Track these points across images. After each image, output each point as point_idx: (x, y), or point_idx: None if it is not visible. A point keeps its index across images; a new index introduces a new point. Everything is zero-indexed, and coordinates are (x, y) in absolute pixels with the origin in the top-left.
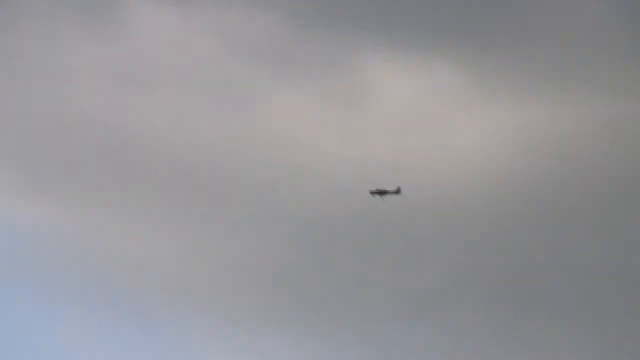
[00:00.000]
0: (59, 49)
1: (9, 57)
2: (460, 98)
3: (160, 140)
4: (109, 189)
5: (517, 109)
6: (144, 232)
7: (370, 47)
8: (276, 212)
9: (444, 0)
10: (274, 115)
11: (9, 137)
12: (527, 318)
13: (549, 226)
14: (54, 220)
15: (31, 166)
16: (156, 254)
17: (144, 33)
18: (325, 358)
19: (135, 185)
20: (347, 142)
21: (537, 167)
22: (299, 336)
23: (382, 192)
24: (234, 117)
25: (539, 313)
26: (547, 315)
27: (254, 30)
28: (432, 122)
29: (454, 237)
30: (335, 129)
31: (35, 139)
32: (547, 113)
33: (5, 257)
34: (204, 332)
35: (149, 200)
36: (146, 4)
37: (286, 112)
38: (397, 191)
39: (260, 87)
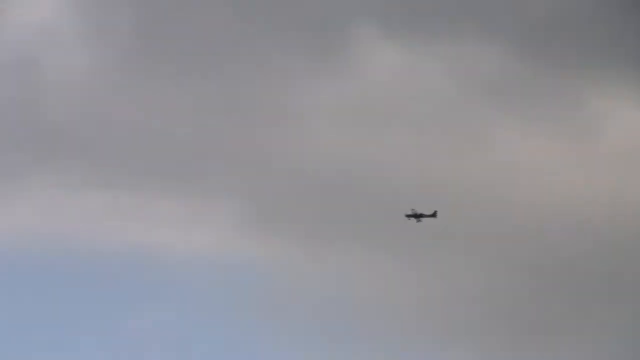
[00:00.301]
0: (295, 89)
1: (249, 100)
2: None
3: (393, 176)
4: (347, 224)
5: None
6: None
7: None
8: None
9: None
10: (505, 149)
11: (249, 175)
12: None
13: None
14: (292, 257)
15: (266, 203)
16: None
17: (373, 69)
18: None
19: (373, 220)
20: (581, 175)
21: None
22: None
23: (418, 216)
24: (466, 151)
25: None
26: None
27: (482, 62)
28: None
29: None
30: (570, 162)
31: (275, 177)
32: None
33: (246, 295)
34: None
35: (389, 236)
36: (376, 40)
37: (518, 147)
38: (434, 215)
39: (491, 120)
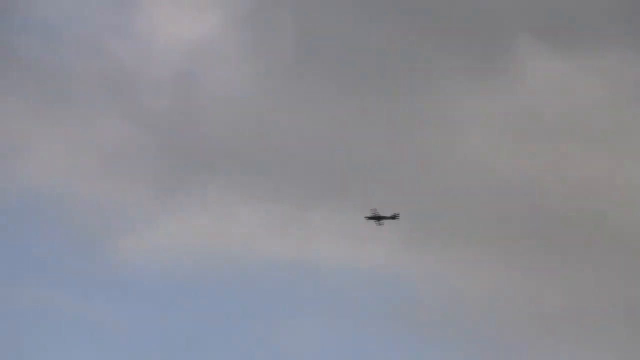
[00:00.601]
0: (459, 103)
1: (413, 115)
2: None
3: (559, 186)
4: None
5: None
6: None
7: None
8: None
9: None
10: None
11: (410, 190)
12: None
13: None
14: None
15: (428, 218)
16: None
17: (534, 83)
18: None
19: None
20: None
21: None
22: None
23: (378, 218)
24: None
25: None
26: None
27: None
28: None
29: None
30: None
31: (437, 192)
32: None
33: (400, 310)
34: None
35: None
36: (538, 52)
37: None
38: (394, 217)
39: None
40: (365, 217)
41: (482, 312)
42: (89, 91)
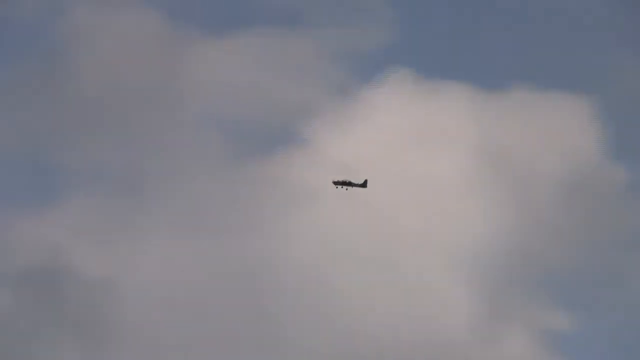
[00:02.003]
0: None
1: None
2: None
3: None
4: None
5: None
6: None
7: None
8: None
9: None
10: None
11: None
12: None
13: None
14: None
15: None
16: None
17: None
18: None
19: None
20: None
21: None
22: None
23: (346, 184)
24: None
25: None
26: None
27: None
28: None
29: None
30: None
31: None
32: None
33: None
34: None
35: None
36: None
37: None
38: (364, 184)
39: None
40: (333, 182)
41: None
42: None
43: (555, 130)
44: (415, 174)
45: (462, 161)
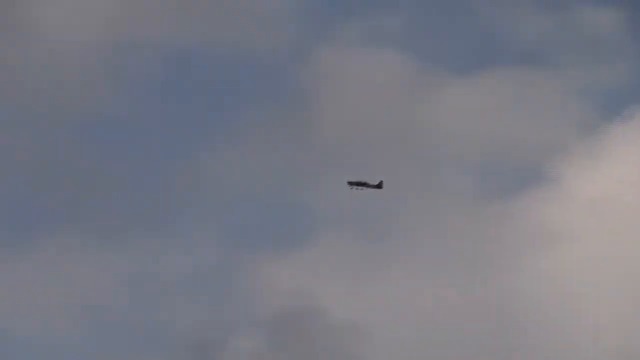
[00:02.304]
0: None
1: None
2: None
3: None
4: None
5: None
6: None
7: None
8: None
9: None
10: None
11: None
12: None
13: None
14: None
15: None
16: None
17: None
18: None
19: None
20: None
21: None
22: None
23: (361, 184)
24: None
25: None
26: None
27: None
28: None
29: None
30: None
31: None
32: None
33: None
34: None
35: None
36: None
37: None
38: (379, 185)
39: None
40: (348, 182)
41: None
42: None
43: None
44: None
45: None
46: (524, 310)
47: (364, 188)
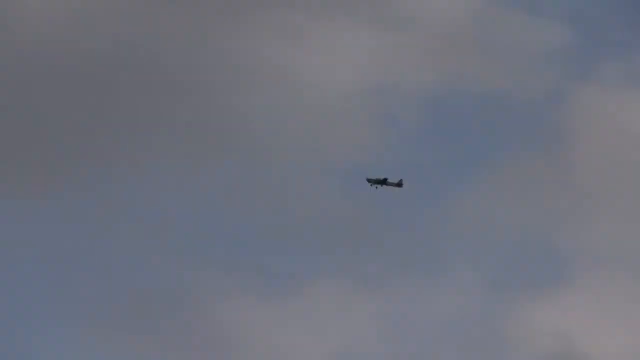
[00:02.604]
0: None
1: None
2: None
3: None
4: None
5: None
6: None
7: None
8: None
9: None
10: None
11: None
12: None
13: None
14: None
15: None
16: None
17: None
18: None
19: None
20: None
21: None
22: None
23: (380, 182)
24: None
25: None
26: None
27: None
28: None
29: None
30: None
31: None
32: None
33: None
34: None
35: None
36: None
37: None
38: (399, 184)
39: None
40: (367, 180)
41: None
42: None
43: None
44: None
45: None
46: None
47: (384, 186)
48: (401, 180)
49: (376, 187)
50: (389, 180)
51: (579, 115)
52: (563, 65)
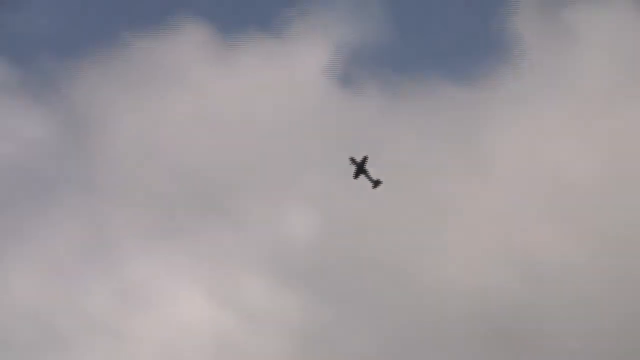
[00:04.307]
0: None
1: None
2: None
3: None
4: None
5: None
6: None
7: None
8: None
9: None
10: None
11: None
12: None
13: None
14: None
15: None
16: None
17: None
18: None
19: None
20: None
21: None
22: None
23: (360, 169)
24: None
25: None
26: None
27: None
28: None
29: None
30: None
31: None
32: None
33: None
34: None
35: None
36: None
37: None
38: (377, 182)
39: None
40: (350, 158)
41: None
42: None
43: None
44: None
45: None
46: None
47: (363, 176)
48: (380, 181)
49: (354, 173)
50: (370, 176)
51: None
52: None
